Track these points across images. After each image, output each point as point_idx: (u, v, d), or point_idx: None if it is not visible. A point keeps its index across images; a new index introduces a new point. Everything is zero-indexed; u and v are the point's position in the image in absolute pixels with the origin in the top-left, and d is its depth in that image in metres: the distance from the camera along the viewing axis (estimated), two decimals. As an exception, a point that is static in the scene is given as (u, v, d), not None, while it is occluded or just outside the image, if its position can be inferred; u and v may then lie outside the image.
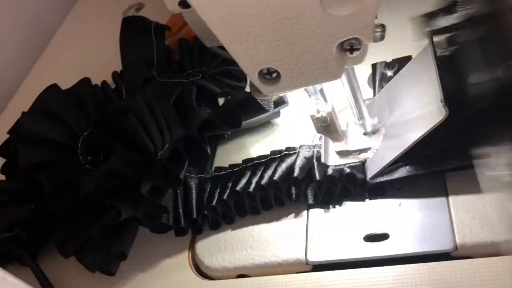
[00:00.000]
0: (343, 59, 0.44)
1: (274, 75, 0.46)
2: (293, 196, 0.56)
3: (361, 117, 0.57)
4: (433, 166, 0.51)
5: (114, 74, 0.83)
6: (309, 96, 0.54)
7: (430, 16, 0.57)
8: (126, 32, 0.80)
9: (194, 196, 0.60)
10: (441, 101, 0.47)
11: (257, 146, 0.66)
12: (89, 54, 1.00)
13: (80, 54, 1.01)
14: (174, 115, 0.68)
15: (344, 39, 0.42)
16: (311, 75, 0.45)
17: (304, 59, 0.44)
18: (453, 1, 0.49)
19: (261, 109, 0.63)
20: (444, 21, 0.56)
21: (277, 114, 0.68)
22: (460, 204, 0.50)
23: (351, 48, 0.43)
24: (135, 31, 0.80)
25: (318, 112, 0.55)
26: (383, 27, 0.47)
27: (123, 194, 0.57)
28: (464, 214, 0.49)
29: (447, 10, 0.56)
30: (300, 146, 0.60)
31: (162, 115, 0.63)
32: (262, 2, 0.39)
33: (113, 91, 0.79)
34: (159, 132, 0.62)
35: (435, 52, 0.51)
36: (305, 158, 0.58)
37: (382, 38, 0.47)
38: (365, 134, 0.58)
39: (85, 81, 0.69)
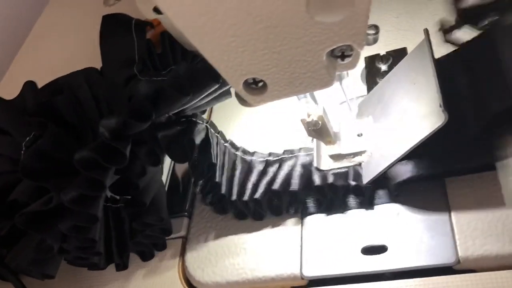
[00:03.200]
0: (334, 65, 0.41)
1: (260, 84, 0.42)
2: (292, 209, 0.54)
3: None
4: (431, 170, 0.48)
5: (94, 72, 0.79)
6: (298, 99, 0.51)
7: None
8: (106, 29, 0.76)
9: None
10: (440, 106, 0.44)
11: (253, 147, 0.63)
12: (68, 48, 0.95)
13: (59, 48, 0.97)
14: (122, 100, 0.59)
15: (334, 47, 0.38)
16: (300, 84, 0.42)
17: (292, 68, 0.40)
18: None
19: (209, 83, 0.55)
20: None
21: (227, 94, 0.61)
22: (461, 214, 0.47)
23: (342, 54, 0.40)
24: (115, 28, 0.75)
25: (309, 115, 0.52)
26: (376, 28, 0.44)
27: (56, 179, 0.52)
28: (466, 225, 0.46)
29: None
30: (300, 150, 0.57)
31: (106, 98, 0.58)
32: (243, 10, 0.36)
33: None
34: (99, 116, 0.56)
35: (432, 52, 0.47)
36: (303, 165, 0.55)
37: (375, 41, 0.44)
38: (359, 135, 0.55)
39: (28, 84, 0.64)
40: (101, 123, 0.49)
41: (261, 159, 0.59)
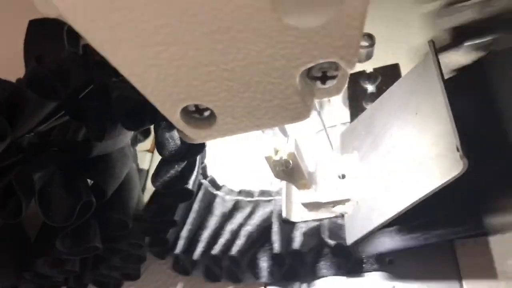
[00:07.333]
0: (311, 90, 0.29)
1: (206, 113, 0.30)
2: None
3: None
4: (435, 232, 0.36)
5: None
6: (262, 132, 0.39)
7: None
8: (32, 36, 0.63)
9: None
10: (457, 150, 0.31)
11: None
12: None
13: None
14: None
15: (312, 64, 0.26)
16: (263, 115, 0.30)
17: (251, 93, 0.28)
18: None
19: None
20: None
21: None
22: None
23: (323, 75, 0.27)
24: (43, 35, 0.62)
25: (276, 152, 0.39)
26: (370, 39, 0.31)
27: None
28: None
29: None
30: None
31: None
32: (176, 6, 0.23)
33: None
34: None
35: (441, 72, 0.35)
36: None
37: (368, 57, 0.32)
38: (341, 177, 0.42)
39: None
40: None
41: (230, 198, 0.47)
